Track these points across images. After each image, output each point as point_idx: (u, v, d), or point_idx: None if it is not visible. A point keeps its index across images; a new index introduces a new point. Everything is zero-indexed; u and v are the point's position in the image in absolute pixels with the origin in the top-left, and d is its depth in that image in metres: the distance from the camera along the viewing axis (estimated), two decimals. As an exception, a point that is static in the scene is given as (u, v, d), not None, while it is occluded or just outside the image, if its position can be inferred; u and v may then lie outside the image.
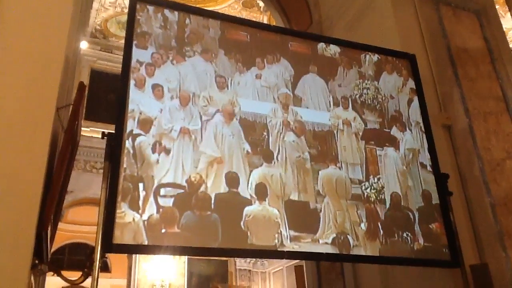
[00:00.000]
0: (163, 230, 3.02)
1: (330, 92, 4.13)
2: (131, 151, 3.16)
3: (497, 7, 6.32)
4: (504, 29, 6.34)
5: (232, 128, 3.57)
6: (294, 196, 3.52)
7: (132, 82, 3.39)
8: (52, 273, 3.15)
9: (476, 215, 4.36)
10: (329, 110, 4.05)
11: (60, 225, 9.18)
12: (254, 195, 3.37)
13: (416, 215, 3.85)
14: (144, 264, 12.11)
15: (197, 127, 3.45)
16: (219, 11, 11.86)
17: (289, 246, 3.31)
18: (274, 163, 3.59)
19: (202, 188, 3.24)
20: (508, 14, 6.12)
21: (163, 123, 3.36)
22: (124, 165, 3.09)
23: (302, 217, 3.47)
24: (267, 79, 3.92)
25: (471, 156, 4.59)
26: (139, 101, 3.35)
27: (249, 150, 3.55)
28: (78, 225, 14.51)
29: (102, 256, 2.84)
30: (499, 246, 4.17)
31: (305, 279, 6.31)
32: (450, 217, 3.92)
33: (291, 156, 3.67)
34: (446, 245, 3.82)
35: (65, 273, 3.02)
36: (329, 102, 4.09)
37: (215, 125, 3.52)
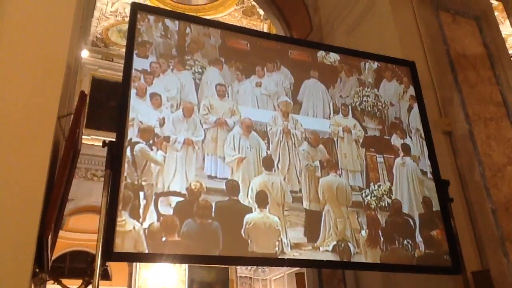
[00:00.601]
0: (163, 238, 3.02)
1: (331, 99, 4.14)
2: (131, 159, 3.17)
3: (496, 13, 6.35)
4: (504, 35, 6.38)
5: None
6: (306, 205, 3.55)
7: (133, 91, 3.41)
8: (52, 281, 3.15)
9: (477, 221, 4.35)
10: (329, 117, 4.06)
11: (61, 233, 9.18)
12: (254, 203, 3.37)
13: (417, 222, 3.85)
14: (145, 271, 12.07)
15: (200, 138, 3.47)
16: (220, 19, 11.91)
17: (290, 254, 3.30)
18: (275, 170, 3.59)
19: (203, 196, 3.25)
20: (507, 20, 6.15)
21: (165, 133, 3.37)
22: (125, 174, 3.10)
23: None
24: (267, 87, 3.93)
25: (472, 161, 4.59)
26: (138, 110, 3.36)
27: (250, 158, 3.56)
28: (79, 233, 14.48)
29: (103, 264, 2.84)
30: (501, 252, 4.15)
31: (306, 286, 6.28)
32: (451, 224, 3.92)
33: (301, 165, 3.69)
34: (447, 252, 3.80)
35: (65, 281, 3.03)
36: (329, 109, 4.10)
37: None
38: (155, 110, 3.43)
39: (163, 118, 3.42)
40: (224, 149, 3.49)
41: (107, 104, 12.81)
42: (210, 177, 3.35)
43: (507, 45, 6.48)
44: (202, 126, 3.52)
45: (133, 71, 3.47)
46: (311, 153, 3.80)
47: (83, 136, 4.72)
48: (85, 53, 12.13)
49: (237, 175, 3.44)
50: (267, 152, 3.63)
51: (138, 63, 3.53)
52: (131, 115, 3.31)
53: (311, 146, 3.83)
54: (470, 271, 3.90)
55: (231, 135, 3.58)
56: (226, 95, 3.73)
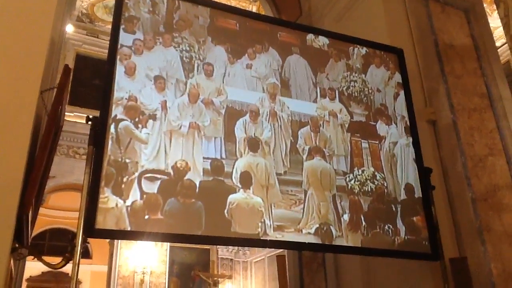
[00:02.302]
0: (146, 217, 3.00)
1: (318, 84, 4.14)
2: (115, 136, 3.13)
3: (484, 5, 6.37)
4: (491, 28, 6.41)
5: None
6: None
7: (121, 69, 3.35)
8: (32, 257, 3.11)
9: (457, 209, 4.42)
10: (316, 100, 4.05)
11: (42, 210, 9.10)
12: (238, 184, 3.37)
13: (399, 208, 3.89)
14: (126, 251, 12.06)
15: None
16: None
17: (272, 235, 3.32)
18: (260, 152, 3.58)
19: (188, 175, 3.23)
20: (495, 12, 6.17)
21: (144, 105, 3.34)
22: (108, 150, 3.06)
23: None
24: (255, 68, 3.90)
25: (455, 151, 4.64)
26: (123, 84, 3.32)
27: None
28: (60, 211, 14.39)
29: (84, 240, 2.82)
30: (479, 240, 4.24)
31: (287, 269, 6.34)
32: (432, 211, 3.97)
33: (287, 147, 3.71)
34: (427, 238, 3.87)
35: (45, 258, 2.99)
36: (315, 88, 4.09)
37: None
38: (131, 81, 3.38)
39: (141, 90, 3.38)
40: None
41: (91, 81, 12.62)
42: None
43: (494, 37, 6.52)
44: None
45: (120, 46, 3.40)
46: (297, 135, 3.79)
47: (66, 113, 4.64)
48: (69, 28, 11.88)
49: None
50: (255, 134, 3.62)
51: (125, 38, 3.47)
52: (119, 93, 3.27)
53: (297, 129, 3.83)
54: (448, 258, 3.97)
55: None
56: (214, 74, 3.70)
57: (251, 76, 3.86)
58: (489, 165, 4.72)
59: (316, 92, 4.10)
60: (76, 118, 11.33)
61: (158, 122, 3.32)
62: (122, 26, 3.49)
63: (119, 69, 3.36)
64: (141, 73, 3.42)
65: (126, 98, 3.28)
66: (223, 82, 3.70)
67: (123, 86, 3.32)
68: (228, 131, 3.55)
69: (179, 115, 3.42)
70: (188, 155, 3.30)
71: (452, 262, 4.03)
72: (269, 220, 3.36)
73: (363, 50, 4.51)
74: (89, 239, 3.04)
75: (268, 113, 3.77)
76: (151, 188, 3.09)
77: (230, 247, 13.46)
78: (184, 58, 3.64)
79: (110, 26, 3.57)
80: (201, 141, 3.40)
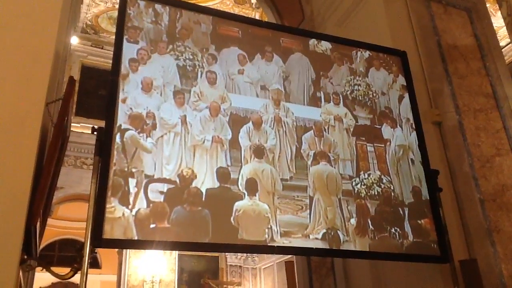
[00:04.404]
0: (153, 225, 3.01)
1: (322, 88, 4.14)
2: (120, 146, 3.14)
3: (487, 5, 6.36)
4: (495, 27, 6.39)
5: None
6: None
7: (135, 83, 3.40)
8: (41, 269, 3.13)
9: (465, 210, 4.40)
10: (320, 105, 4.05)
11: (50, 221, 9.14)
12: (244, 190, 3.37)
13: (406, 211, 3.88)
14: (135, 260, 12.08)
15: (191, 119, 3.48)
16: (211, 7, 11.81)
17: (280, 241, 3.31)
18: (265, 158, 3.59)
19: (194, 183, 3.24)
20: (499, 12, 6.17)
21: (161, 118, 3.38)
22: (114, 160, 3.08)
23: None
24: (255, 74, 3.91)
25: (461, 152, 4.62)
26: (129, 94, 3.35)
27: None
28: (68, 221, 14.44)
29: (92, 251, 2.82)
30: (488, 242, 4.21)
31: (296, 275, 6.32)
32: (440, 213, 3.95)
33: (292, 153, 3.72)
34: (435, 241, 3.84)
35: (54, 269, 3.00)
36: (318, 92, 4.09)
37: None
38: (145, 95, 3.41)
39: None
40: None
41: (96, 92, 12.71)
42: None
43: (498, 37, 6.51)
44: (193, 112, 3.51)
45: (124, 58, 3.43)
46: (302, 141, 3.80)
47: (72, 124, 4.67)
48: (74, 40, 11.99)
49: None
50: (259, 141, 3.62)
51: (128, 48, 3.49)
52: (138, 109, 3.32)
53: (302, 134, 3.83)
54: (457, 260, 3.94)
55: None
56: (217, 82, 3.71)
57: (250, 82, 3.86)
58: (497, 165, 4.69)
59: (321, 97, 4.10)
60: (83, 128, 11.41)
61: (179, 137, 3.34)
62: (125, 37, 3.52)
63: (133, 83, 3.38)
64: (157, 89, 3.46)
65: (144, 115, 3.32)
66: (226, 89, 3.72)
67: (141, 103, 3.36)
68: (233, 138, 3.55)
69: (202, 129, 3.45)
70: (207, 167, 3.32)
71: (462, 264, 4.00)
72: (276, 226, 3.35)
73: (366, 54, 4.51)
74: (98, 249, 3.04)
75: (273, 119, 3.78)
76: (158, 196, 3.10)
77: (239, 254, 13.44)
78: (188, 67, 3.66)
79: (114, 37, 3.60)
80: (223, 154, 3.45)
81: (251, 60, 3.95)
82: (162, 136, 3.32)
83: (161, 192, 3.13)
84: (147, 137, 3.28)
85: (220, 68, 3.79)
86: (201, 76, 3.68)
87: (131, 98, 3.34)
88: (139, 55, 3.51)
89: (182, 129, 3.40)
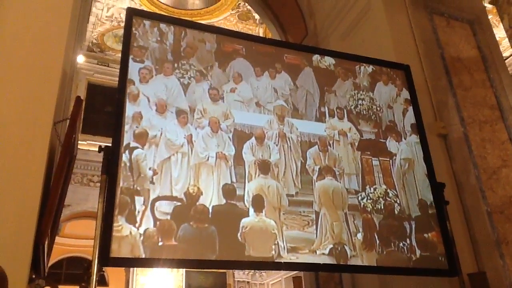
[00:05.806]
0: (160, 243, 3.01)
1: (326, 103, 4.16)
2: (128, 164, 3.17)
3: (490, 16, 6.40)
4: (498, 38, 6.41)
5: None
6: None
7: (146, 103, 3.44)
8: (49, 287, 3.14)
9: (473, 223, 4.37)
10: (324, 120, 4.06)
11: (58, 239, 9.13)
12: (251, 207, 3.38)
13: (413, 224, 3.86)
14: (142, 277, 12.02)
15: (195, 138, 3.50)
16: (215, 24, 11.95)
17: (287, 257, 3.31)
18: (271, 174, 3.60)
19: (201, 200, 3.25)
20: (501, 23, 6.19)
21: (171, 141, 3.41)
22: (121, 178, 3.10)
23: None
24: (261, 90, 3.94)
25: (467, 164, 4.61)
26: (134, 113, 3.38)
27: (246, 162, 3.57)
28: (76, 239, 14.40)
29: (99, 269, 2.83)
30: (497, 254, 4.18)
31: (304, 290, 6.28)
32: (447, 226, 3.93)
33: (297, 168, 3.73)
34: (443, 254, 3.82)
35: (63, 287, 3.01)
36: (322, 107, 4.11)
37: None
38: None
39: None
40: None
41: (103, 109, 12.80)
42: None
43: (501, 48, 6.53)
44: (196, 130, 3.53)
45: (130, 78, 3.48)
46: (307, 156, 3.81)
47: (79, 142, 4.71)
48: (81, 59, 12.12)
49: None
50: (262, 156, 3.64)
51: (134, 67, 3.54)
52: (152, 131, 3.35)
53: (307, 149, 3.84)
54: (466, 273, 3.90)
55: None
56: (220, 99, 3.74)
57: (256, 98, 3.90)
58: (503, 177, 4.68)
59: (325, 112, 4.12)
60: (89, 146, 11.46)
61: (186, 157, 3.36)
62: (131, 56, 3.57)
63: (144, 104, 3.43)
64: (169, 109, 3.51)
65: (158, 136, 3.35)
66: (229, 106, 3.75)
67: (155, 124, 3.40)
68: (237, 154, 3.57)
69: (205, 146, 3.47)
70: (213, 184, 3.34)
71: (471, 277, 3.97)
72: (283, 242, 3.35)
73: (370, 68, 4.54)
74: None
75: (277, 135, 3.80)
76: (165, 214, 3.11)
77: (246, 270, 13.35)
78: (192, 85, 3.69)
79: (120, 55, 3.65)
80: (228, 170, 3.45)
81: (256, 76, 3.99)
82: (169, 157, 3.34)
83: (168, 210, 3.13)
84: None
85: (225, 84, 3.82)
86: (204, 93, 3.71)
87: (145, 119, 3.38)
88: (140, 74, 3.55)
89: (189, 149, 3.43)
